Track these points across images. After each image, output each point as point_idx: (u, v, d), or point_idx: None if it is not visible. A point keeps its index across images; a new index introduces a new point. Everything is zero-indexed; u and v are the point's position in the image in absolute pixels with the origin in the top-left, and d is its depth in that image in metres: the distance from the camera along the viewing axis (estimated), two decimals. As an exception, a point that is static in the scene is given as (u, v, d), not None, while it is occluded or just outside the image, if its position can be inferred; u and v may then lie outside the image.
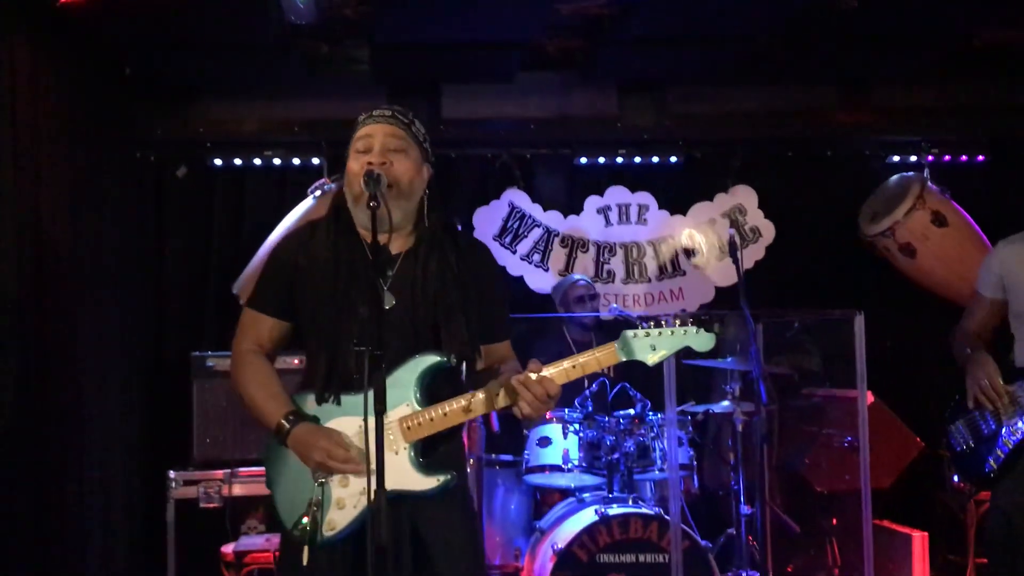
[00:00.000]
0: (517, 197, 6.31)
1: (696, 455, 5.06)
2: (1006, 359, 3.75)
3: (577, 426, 4.81)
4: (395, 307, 2.69)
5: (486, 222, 6.28)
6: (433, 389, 2.70)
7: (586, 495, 4.85)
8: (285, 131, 6.02)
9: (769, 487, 5.44)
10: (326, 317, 2.70)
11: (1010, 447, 3.53)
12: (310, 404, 2.72)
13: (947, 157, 6.33)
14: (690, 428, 4.95)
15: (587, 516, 4.51)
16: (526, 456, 4.85)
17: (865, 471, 5.00)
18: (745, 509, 4.73)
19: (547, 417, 4.86)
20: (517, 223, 6.30)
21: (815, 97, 6.17)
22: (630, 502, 4.60)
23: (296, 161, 6.10)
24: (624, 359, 2.62)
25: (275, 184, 6.18)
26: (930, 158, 6.23)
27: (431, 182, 2.85)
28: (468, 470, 4.75)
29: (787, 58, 5.59)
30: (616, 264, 6.35)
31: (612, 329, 5.68)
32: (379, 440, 2.38)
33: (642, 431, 4.79)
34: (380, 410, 2.37)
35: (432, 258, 2.76)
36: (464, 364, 2.76)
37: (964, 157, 6.37)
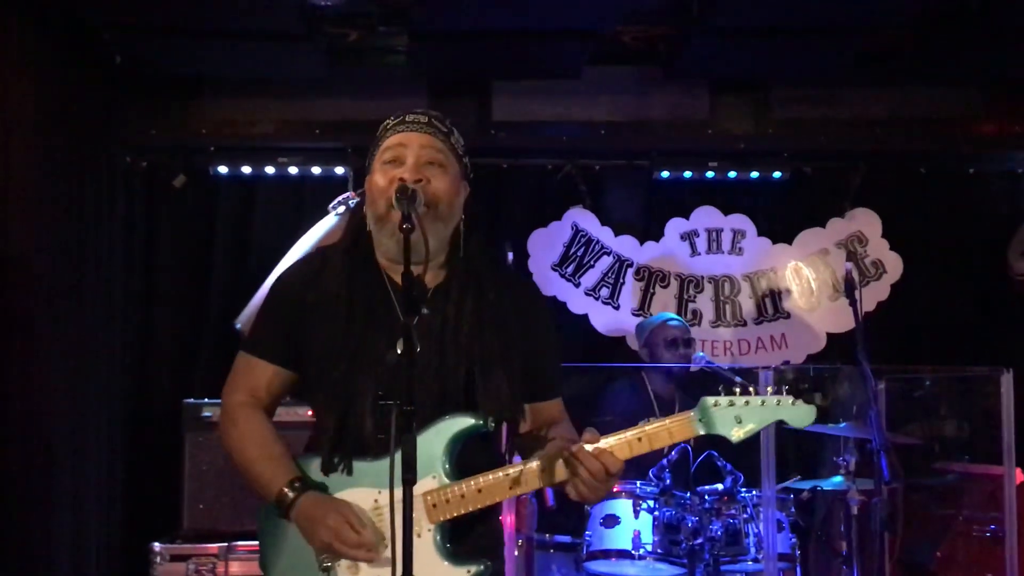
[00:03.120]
0: (582, 218, 6.24)
1: (800, 543, 4.92)
2: None
3: (652, 503, 4.70)
4: (420, 355, 2.61)
5: (544, 247, 6.23)
6: (464, 458, 2.64)
7: (663, 589, 4.73)
8: (304, 134, 6.04)
9: (891, 587, 5.29)
10: (338, 366, 2.64)
11: None
12: (315, 471, 2.66)
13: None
14: (792, 509, 4.83)
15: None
16: (587, 538, 4.74)
17: (1012, 567, 4.82)
18: (862, 612, 4.56)
19: (615, 491, 4.76)
20: (582, 250, 6.24)
21: (955, 102, 6.04)
22: (717, 601, 4.47)
23: (316, 170, 6.12)
24: (702, 432, 2.57)
25: (291, 197, 6.21)
26: (1098, 177, 6.05)
27: (468, 203, 2.79)
28: (516, 553, 4.67)
29: (920, 54, 5.48)
30: (704, 302, 6.25)
31: (702, 383, 5.56)
32: (407, 521, 2.32)
33: (732, 511, 4.67)
34: (410, 479, 2.30)
35: (468, 296, 2.70)
36: (508, 427, 2.67)
37: None
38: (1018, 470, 5.33)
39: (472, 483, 2.58)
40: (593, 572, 4.85)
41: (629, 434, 2.57)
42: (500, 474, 2.58)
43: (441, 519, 2.58)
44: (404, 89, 5.85)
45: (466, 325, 2.67)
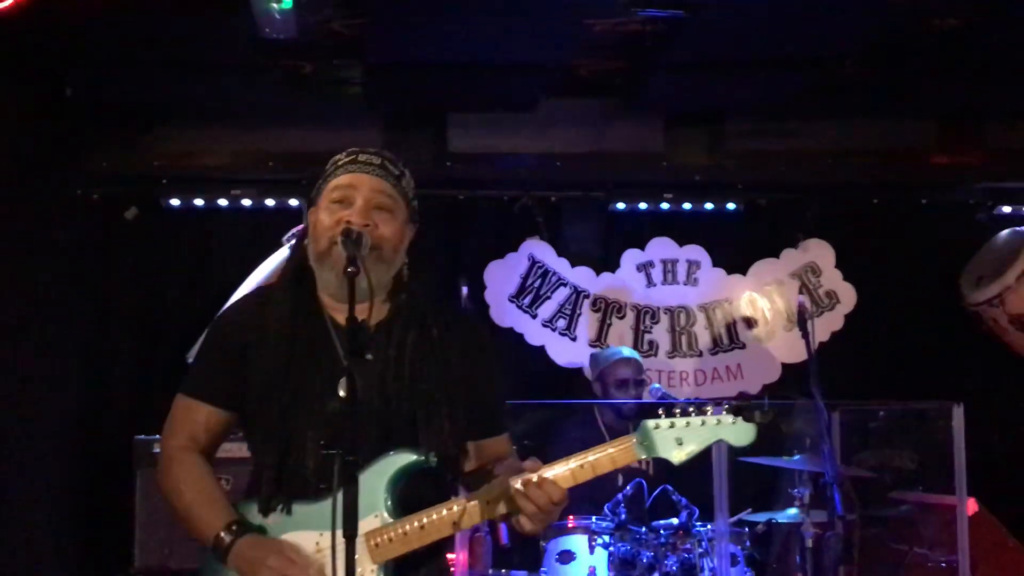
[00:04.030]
0: (539, 249, 6.27)
1: (757, 575, 4.92)
2: None
3: (607, 538, 4.69)
4: (362, 395, 2.61)
5: (501, 279, 6.24)
6: (409, 495, 2.62)
7: (618, 624, 4.72)
8: (258, 166, 6.05)
9: (847, 619, 5.30)
10: (278, 408, 2.63)
11: None
12: (254, 515, 2.64)
13: (1070, 207, 6.23)
14: (747, 543, 4.83)
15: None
16: (543, 575, 4.73)
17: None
18: (816, 648, 4.57)
19: (570, 527, 4.76)
20: (539, 281, 6.25)
21: (908, 134, 6.14)
22: (672, 638, 4.46)
23: (270, 202, 6.12)
24: (644, 456, 2.56)
25: (245, 230, 6.18)
26: (1049, 208, 6.13)
27: (414, 244, 2.80)
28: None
29: (874, 87, 5.55)
30: (660, 333, 6.27)
31: (655, 416, 5.57)
32: (349, 571, 2.31)
33: (687, 546, 4.66)
34: (350, 534, 2.28)
35: (410, 334, 2.70)
36: (447, 464, 2.67)
37: (1091, 207, 6.27)
38: (972, 500, 5.39)
39: (415, 521, 2.56)
40: (549, 608, 4.85)
41: (571, 462, 2.56)
42: (443, 511, 2.56)
43: (385, 559, 2.56)
44: (360, 121, 5.88)
45: (408, 364, 2.67)
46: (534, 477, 2.51)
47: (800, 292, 5.04)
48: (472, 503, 2.56)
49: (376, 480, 2.58)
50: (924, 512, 5.52)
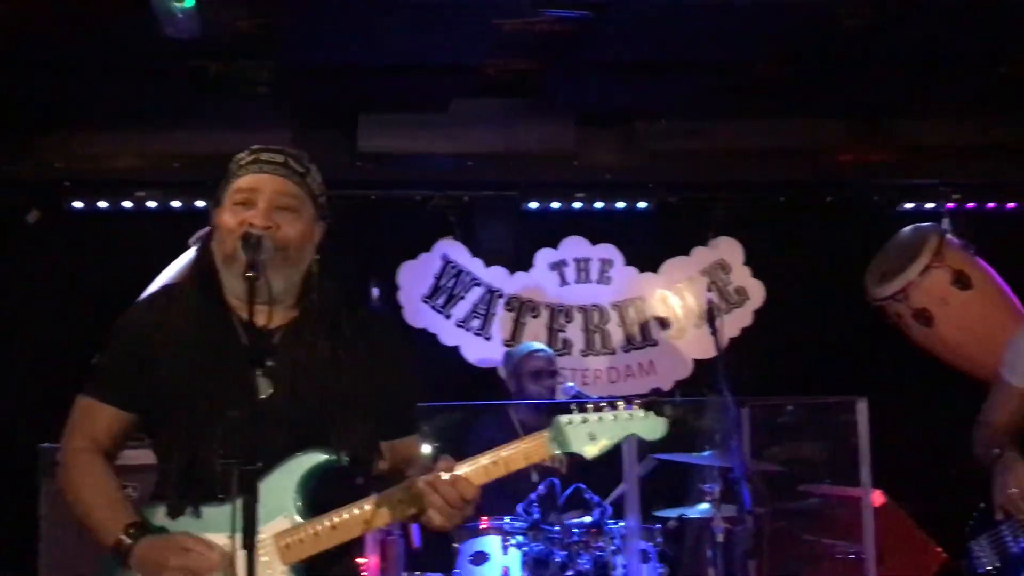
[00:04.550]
0: (452, 249, 6.27)
1: (670, 572, 4.97)
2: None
3: (520, 538, 4.69)
4: (273, 396, 2.61)
5: (414, 280, 6.24)
6: (320, 496, 2.61)
7: (533, 622, 4.73)
8: (164, 168, 5.98)
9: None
10: (183, 410, 2.61)
11: (1044, 570, 3.49)
12: (161, 517, 2.61)
13: (971, 204, 6.40)
14: (659, 539, 4.86)
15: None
16: (456, 577, 4.72)
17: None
18: (728, 643, 4.64)
19: (483, 527, 4.76)
20: (452, 281, 6.26)
21: (814, 133, 6.24)
22: (585, 636, 4.49)
23: (177, 204, 6.05)
24: (556, 451, 2.58)
25: (151, 233, 6.07)
26: (951, 205, 6.29)
27: (323, 242, 2.78)
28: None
29: (781, 88, 5.63)
30: (573, 332, 6.32)
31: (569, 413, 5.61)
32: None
33: (600, 544, 4.68)
34: (249, 545, 2.27)
35: (321, 335, 2.69)
36: (360, 466, 2.66)
37: (991, 204, 6.44)
38: (878, 492, 5.51)
39: (326, 521, 2.56)
40: (463, 608, 4.85)
41: (484, 459, 2.58)
42: (355, 510, 2.56)
43: (295, 560, 2.55)
44: (269, 121, 5.80)
45: (319, 366, 2.66)
46: (444, 475, 2.52)
47: (710, 289, 5.11)
48: (383, 502, 2.56)
49: (286, 481, 2.57)
50: (832, 504, 5.61)
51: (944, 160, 6.30)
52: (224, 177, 2.75)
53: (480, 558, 4.71)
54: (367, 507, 2.56)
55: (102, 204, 6.02)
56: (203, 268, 2.75)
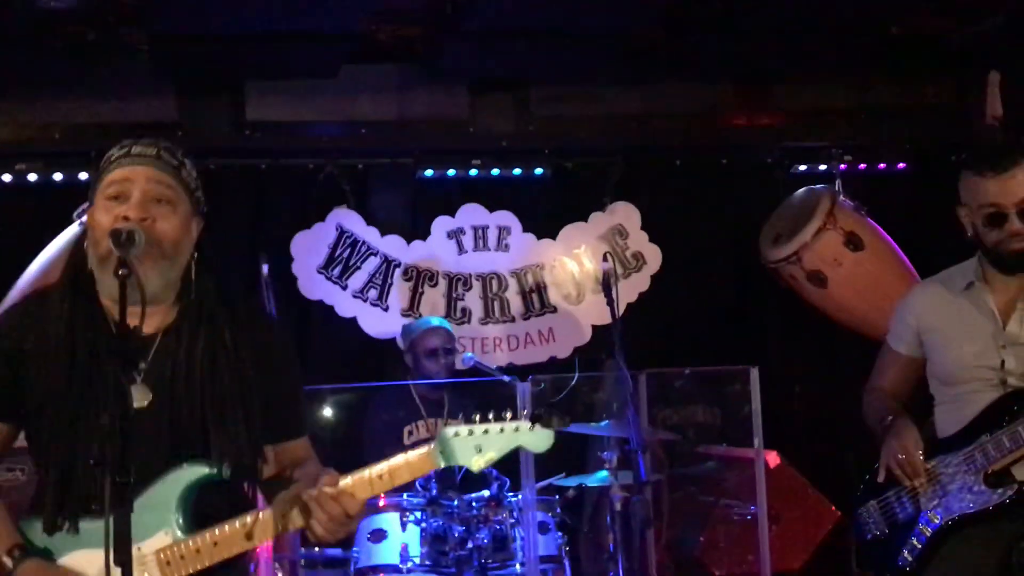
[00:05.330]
0: (347, 219, 6.17)
1: (569, 541, 5.02)
2: (925, 425, 3.79)
3: (419, 514, 4.70)
4: (151, 404, 2.53)
5: (308, 250, 6.12)
6: (203, 508, 2.55)
7: (433, 598, 4.74)
8: (44, 139, 5.80)
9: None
10: (57, 422, 2.52)
11: (928, 536, 3.55)
12: (39, 534, 2.54)
13: (862, 165, 6.48)
14: (558, 509, 4.91)
15: (431, 632, 4.41)
16: (355, 554, 4.71)
17: (764, 550, 5.07)
18: (627, 609, 4.69)
19: (381, 505, 4.76)
20: (348, 251, 6.16)
21: (707, 97, 6.27)
22: (485, 611, 4.51)
23: (58, 176, 5.85)
24: (443, 464, 2.56)
25: (32, 206, 5.90)
26: (843, 167, 6.35)
27: (201, 240, 2.69)
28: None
29: (672, 53, 5.63)
30: (472, 300, 6.27)
31: (472, 385, 5.59)
32: None
33: (499, 517, 4.72)
34: (123, 560, 2.20)
35: (199, 337, 2.61)
36: (243, 473, 2.60)
37: (882, 165, 6.53)
38: (773, 453, 5.61)
39: (208, 535, 2.50)
40: (361, 586, 4.84)
41: (370, 472, 2.53)
42: (236, 524, 2.50)
43: (177, 576, 2.50)
44: (149, 90, 5.70)
45: (199, 368, 2.58)
46: (329, 489, 2.47)
47: (605, 259, 5.08)
48: (265, 516, 2.51)
49: (166, 494, 2.51)
50: (728, 466, 5.71)
51: (835, 122, 6.36)
52: (96, 175, 2.63)
53: (378, 535, 4.71)
54: (249, 521, 2.50)
55: (-20, 178, 5.80)
56: (76, 268, 2.63)
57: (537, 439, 2.55)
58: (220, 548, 2.50)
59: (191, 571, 2.49)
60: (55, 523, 2.52)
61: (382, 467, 2.53)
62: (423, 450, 2.56)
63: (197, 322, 2.62)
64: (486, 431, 2.54)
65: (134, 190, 2.54)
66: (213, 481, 2.54)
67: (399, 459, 2.55)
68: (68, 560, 2.51)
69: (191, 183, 2.65)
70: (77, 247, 2.68)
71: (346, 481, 2.50)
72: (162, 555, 2.49)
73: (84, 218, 5.34)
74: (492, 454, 2.55)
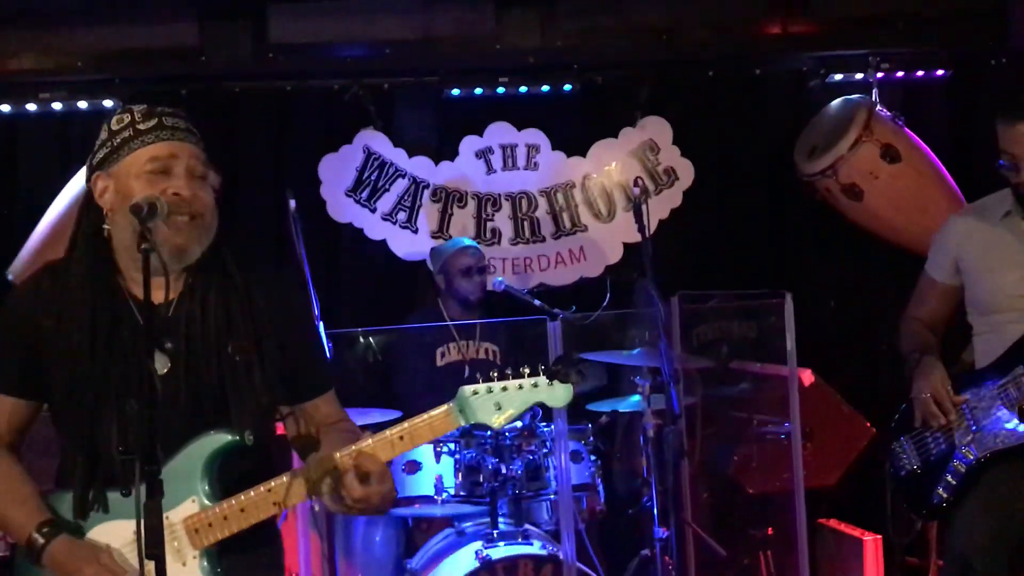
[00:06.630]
0: (374, 140, 6.09)
1: (602, 466, 5.03)
2: (960, 358, 3.74)
3: (452, 445, 4.70)
4: (170, 371, 2.53)
5: (336, 173, 6.06)
6: (230, 474, 2.57)
7: (468, 525, 4.79)
8: (67, 67, 5.71)
9: (692, 497, 5.48)
10: (82, 401, 2.52)
11: (962, 473, 3.52)
12: (67, 509, 2.56)
13: (899, 73, 6.28)
14: (591, 438, 4.90)
15: (466, 559, 4.45)
16: (390, 487, 4.70)
17: (798, 465, 5.07)
18: (660, 532, 4.70)
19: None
20: (376, 174, 6.09)
21: (739, 5, 6.07)
22: (519, 538, 4.54)
23: (83, 105, 5.78)
24: (463, 423, 2.58)
25: (56, 136, 5.88)
26: (879, 75, 6.16)
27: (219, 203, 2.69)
28: (316, 509, 4.63)
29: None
30: (502, 221, 6.20)
31: (500, 306, 5.56)
32: None
33: (532, 447, 4.71)
34: (156, 553, 2.19)
35: (212, 300, 2.61)
36: (266, 437, 2.61)
37: (920, 73, 6.33)
38: (808, 371, 5.56)
39: (234, 502, 2.52)
40: (398, 516, 4.88)
41: (391, 433, 2.55)
42: (263, 489, 2.52)
43: (206, 544, 2.51)
44: (171, 14, 5.64)
45: (214, 332, 2.58)
46: (355, 449, 2.48)
47: (636, 182, 4.96)
48: (294, 481, 2.51)
49: (191, 463, 2.53)
50: (763, 383, 5.67)
51: (871, 29, 6.14)
52: (115, 142, 2.57)
53: (413, 467, 4.72)
54: (275, 486, 2.51)
55: (3, 108, 5.75)
56: (93, 241, 2.61)
57: (556, 394, 2.57)
58: (248, 514, 2.51)
59: (219, 537, 2.52)
60: (84, 504, 2.54)
61: (403, 428, 2.55)
62: (443, 408, 2.56)
63: (207, 285, 2.62)
64: (504, 388, 2.56)
65: (177, 166, 2.55)
66: (238, 447, 2.54)
67: (419, 420, 2.56)
68: (98, 531, 2.54)
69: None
70: (88, 215, 2.64)
71: (368, 443, 2.51)
72: (190, 523, 2.51)
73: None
74: (512, 411, 2.57)
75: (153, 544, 2.18)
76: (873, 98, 5.98)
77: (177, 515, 2.50)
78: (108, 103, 5.74)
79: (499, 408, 2.54)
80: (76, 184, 5.33)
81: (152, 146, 2.54)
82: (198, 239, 2.56)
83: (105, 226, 2.57)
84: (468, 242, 5.71)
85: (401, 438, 2.53)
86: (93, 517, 2.54)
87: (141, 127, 2.57)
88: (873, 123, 5.80)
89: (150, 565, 2.23)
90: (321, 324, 4.20)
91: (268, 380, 2.59)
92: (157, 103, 2.68)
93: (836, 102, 6.07)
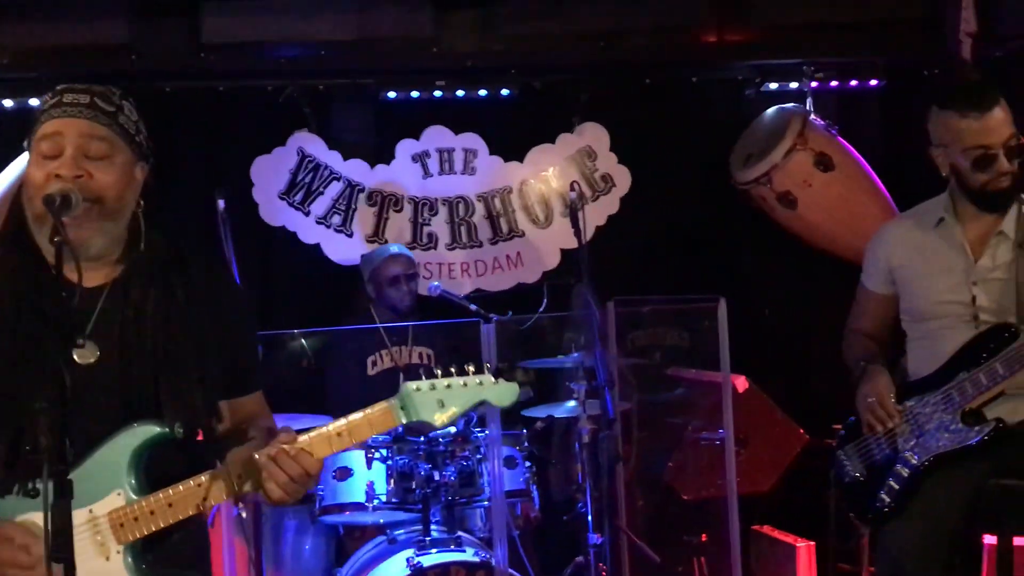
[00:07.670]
0: (309, 142, 6.05)
1: (539, 469, 5.02)
2: (898, 365, 3.79)
3: (384, 452, 4.65)
4: (99, 360, 2.47)
5: (269, 175, 6.01)
6: (157, 466, 2.51)
7: (400, 532, 4.74)
8: (-8, 64, 5.59)
9: (627, 503, 5.50)
10: (5, 384, 2.45)
11: (905, 478, 3.55)
12: (-6, 492, 2.49)
13: (834, 83, 6.38)
14: (525, 443, 4.89)
15: (397, 567, 4.40)
16: (320, 492, 4.65)
17: (731, 471, 5.12)
18: (595, 539, 4.70)
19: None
20: (310, 176, 6.05)
21: (676, 12, 6.11)
22: (452, 545, 4.51)
23: (8, 103, 5.68)
24: (404, 421, 2.52)
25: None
26: (814, 84, 6.25)
27: (148, 186, 2.60)
28: (243, 514, 4.57)
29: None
30: (439, 225, 6.18)
31: (436, 311, 5.54)
32: None
33: (466, 453, 4.68)
34: (64, 557, 2.12)
35: (149, 292, 2.55)
36: (196, 432, 2.55)
37: (854, 82, 6.43)
38: (742, 378, 5.62)
39: (162, 496, 2.46)
40: (329, 523, 4.83)
41: (328, 429, 2.50)
42: (191, 484, 2.47)
43: (131, 539, 2.45)
44: (102, 11, 5.54)
45: (149, 323, 2.52)
46: (287, 447, 2.43)
47: (572, 187, 4.97)
48: (223, 475, 2.47)
49: (118, 455, 2.47)
50: (697, 390, 5.71)
51: (807, 38, 6.23)
52: (30, 127, 2.53)
53: (344, 473, 4.66)
54: (204, 481, 2.46)
55: (-75, 105, 5.63)
56: (17, 224, 2.55)
57: (501, 393, 2.53)
58: (175, 509, 2.46)
59: (145, 532, 2.46)
60: (7, 486, 2.46)
61: (341, 424, 2.50)
62: (383, 405, 2.52)
63: (148, 276, 2.56)
64: (448, 385, 2.51)
65: (66, 145, 2.45)
66: (167, 440, 2.49)
67: (359, 416, 2.51)
68: (24, 520, 2.45)
69: (130, 128, 2.56)
70: (15, 203, 2.59)
71: (304, 439, 2.47)
72: (115, 517, 2.45)
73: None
74: (455, 409, 2.52)
75: (60, 548, 2.11)
76: (808, 107, 6.08)
77: (102, 508, 2.43)
78: (34, 102, 5.64)
79: (442, 406, 2.50)
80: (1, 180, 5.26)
81: (44, 124, 2.47)
82: (100, 230, 2.47)
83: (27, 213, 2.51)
84: (397, 249, 5.65)
85: (339, 434, 2.48)
86: (16, 504, 2.45)
87: (44, 106, 2.51)
88: (807, 132, 5.90)
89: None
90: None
91: (204, 375, 2.54)
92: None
93: (771, 110, 6.16)
